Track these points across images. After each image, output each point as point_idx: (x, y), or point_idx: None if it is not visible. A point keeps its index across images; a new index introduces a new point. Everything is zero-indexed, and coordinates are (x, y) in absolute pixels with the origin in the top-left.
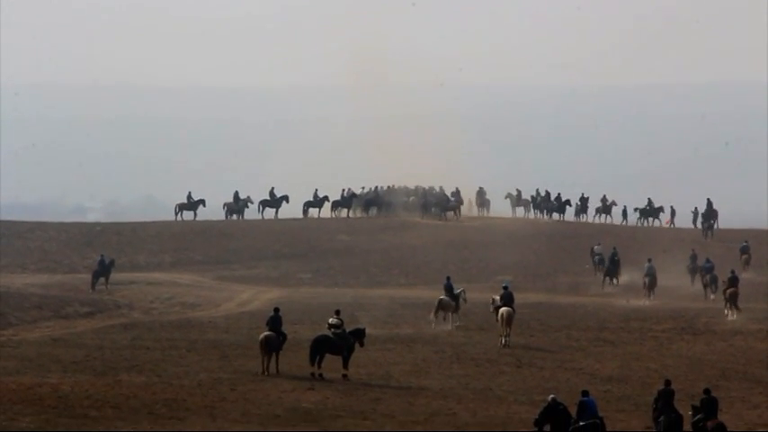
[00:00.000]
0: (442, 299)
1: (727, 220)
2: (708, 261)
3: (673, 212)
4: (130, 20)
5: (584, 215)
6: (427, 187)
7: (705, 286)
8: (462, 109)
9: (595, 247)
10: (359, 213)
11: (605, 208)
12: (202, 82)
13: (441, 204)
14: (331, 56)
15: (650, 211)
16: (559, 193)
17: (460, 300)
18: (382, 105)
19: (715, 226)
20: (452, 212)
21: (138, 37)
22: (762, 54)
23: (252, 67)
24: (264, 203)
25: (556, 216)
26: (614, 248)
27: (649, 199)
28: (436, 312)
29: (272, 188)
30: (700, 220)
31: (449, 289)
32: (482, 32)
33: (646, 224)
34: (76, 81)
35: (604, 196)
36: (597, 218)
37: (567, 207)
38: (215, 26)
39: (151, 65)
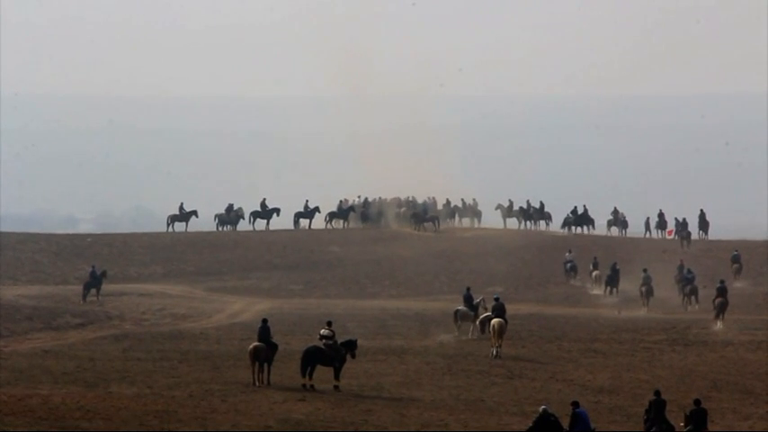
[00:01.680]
0: (458, 309)
1: (726, 230)
2: (689, 272)
3: (676, 223)
4: (121, 31)
5: (590, 227)
6: (404, 198)
7: (685, 297)
8: (459, 119)
9: (567, 254)
10: (360, 224)
11: (616, 220)
12: (194, 92)
13: (418, 216)
14: (325, 65)
15: (660, 223)
16: (575, 206)
17: (480, 309)
18: (375, 115)
19: (705, 236)
20: (431, 224)
21: (130, 48)
22: (762, 66)
23: (245, 77)
24: (256, 215)
25: (578, 230)
26: (595, 257)
27: (660, 210)
28: (456, 322)
29: (264, 199)
30: (678, 229)
31: (468, 299)
32: (480, 42)
33: (658, 236)
34: (67, 91)
35: (615, 209)
36: (608, 230)
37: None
38: (206, 36)
39: (142, 75)
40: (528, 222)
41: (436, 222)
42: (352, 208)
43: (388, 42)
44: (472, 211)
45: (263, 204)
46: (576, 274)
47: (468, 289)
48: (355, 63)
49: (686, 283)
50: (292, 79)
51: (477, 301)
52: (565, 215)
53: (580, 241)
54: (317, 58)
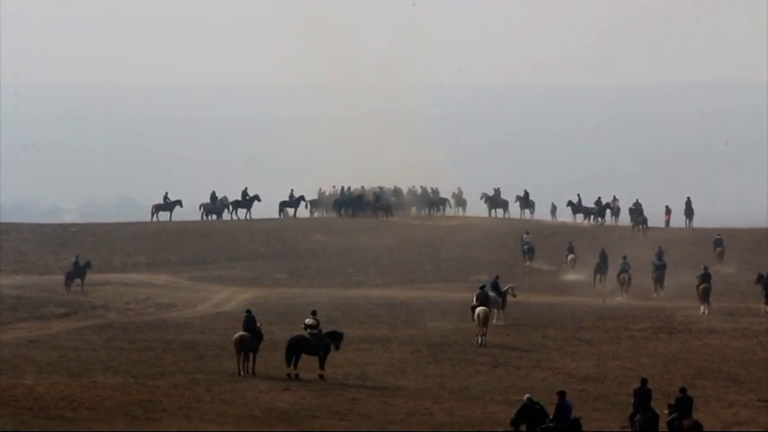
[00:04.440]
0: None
1: (720, 218)
2: (659, 258)
3: (668, 211)
4: (106, 18)
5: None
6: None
7: (654, 282)
8: (444, 107)
9: (524, 236)
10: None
11: (615, 210)
12: (175, 80)
13: (369, 204)
14: (319, 54)
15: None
16: (600, 197)
17: (508, 296)
18: (360, 103)
19: (690, 224)
20: (383, 212)
21: (114, 35)
22: (761, 52)
23: (233, 65)
24: (236, 204)
25: (596, 221)
26: (570, 242)
27: (637, 200)
28: None
29: (245, 188)
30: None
31: (495, 286)
32: (476, 31)
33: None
34: (50, 80)
35: (614, 197)
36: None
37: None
38: (193, 24)
39: (125, 63)
40: (496, 210)
41: (388, 211)
42: (361, 197)
43: (380, 33)
44: (457, 199)
45: (244, 193)
46: (532, 256)
47: (497, 278)
48: (343, 51)
49: (655, 269)
50: (282, 68)
51: (505, 288)
52: (550, 204)
53: (564, 230)
54: (306, 47)
